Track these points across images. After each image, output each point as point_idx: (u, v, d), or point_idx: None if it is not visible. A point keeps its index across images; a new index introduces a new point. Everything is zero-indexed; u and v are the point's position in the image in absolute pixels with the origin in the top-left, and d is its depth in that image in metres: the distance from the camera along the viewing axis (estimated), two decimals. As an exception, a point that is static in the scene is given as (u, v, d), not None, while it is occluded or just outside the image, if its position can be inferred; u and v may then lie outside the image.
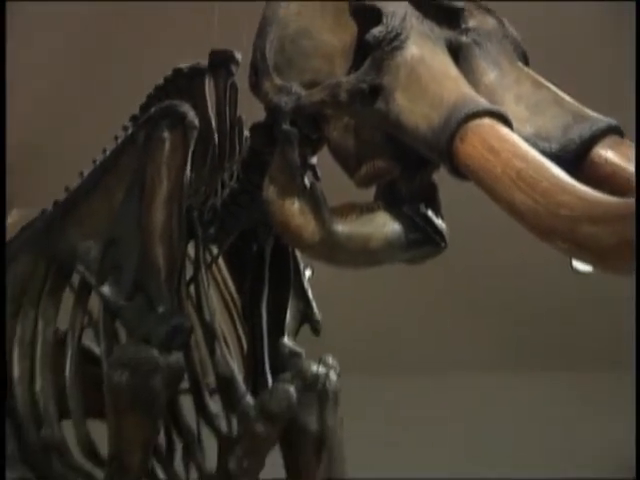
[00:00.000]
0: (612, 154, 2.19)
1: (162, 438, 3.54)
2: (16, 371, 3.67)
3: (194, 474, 3.56)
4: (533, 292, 6.10)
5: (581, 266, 5.47)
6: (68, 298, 3.71)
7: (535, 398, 6.83)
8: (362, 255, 2.73)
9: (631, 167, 2.12)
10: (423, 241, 2.74)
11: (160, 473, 3.55)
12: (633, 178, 2.08)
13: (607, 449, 6.41)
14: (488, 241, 5.02)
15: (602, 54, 6.47)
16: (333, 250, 2.72)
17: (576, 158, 2.22)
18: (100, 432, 3.45)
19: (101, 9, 6.05)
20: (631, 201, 1.78)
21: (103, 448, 3.42)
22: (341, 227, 2.68)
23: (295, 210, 2.72)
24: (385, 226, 2.70)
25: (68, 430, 3.56)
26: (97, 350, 3.59)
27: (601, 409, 6.72)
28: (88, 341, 3.68)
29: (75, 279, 3.66)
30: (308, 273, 3.64)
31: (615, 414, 6.44)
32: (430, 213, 2.72)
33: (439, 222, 2.74)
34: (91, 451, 3.50)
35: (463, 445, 6.57)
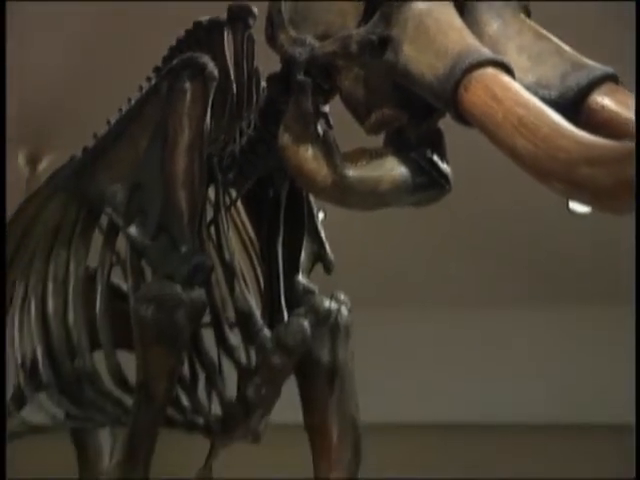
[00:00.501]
0: (608, 100, 2.17)
1: (186, 369, 3.56)
2: (50, 306, 3.69)
3: (215, 402, 3.57)
4: (534, 234, 6.07)
5: (577, 207, 5.46)
6: (97, 239, 3.71)
7: (536, 333, 6.83)
8: (371, 197, 2.72)
9: (626, 113, 2.11)
10: (429, 184, 2.73)
11: (184, 400, 3.57)
12: (628, 123, 2.07)
13: (607, 385, 6.41)
14: (491, 185, 4.99)
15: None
16: (344, 193, 2.71)
17: (574, 105, 2.20)
18: (129, 362, 3.47)
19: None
20: (626, 144, 1.77)
21: (131, 377, 3.44)
22: (352, 171, 2.67)
23: (309, 156, 2.72)
24: (393, 170, 2.68)
25: (99, 361, 3.58)
26: (125, 287, 3.60)
27: (601, 342, 6.70)
28: (116, 278, 3.69)
29: (104, 221, 3.67)
30: (321, 216, 3.63)
31: (614, 347, 6.39)
32: (436, 158, 2.71)
33: (444, 166, 2.73)
34: (120, 380, 3.52)
35: (467, 377, 6.60)
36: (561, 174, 1.87)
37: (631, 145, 1.75)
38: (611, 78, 2.22)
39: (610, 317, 6.23)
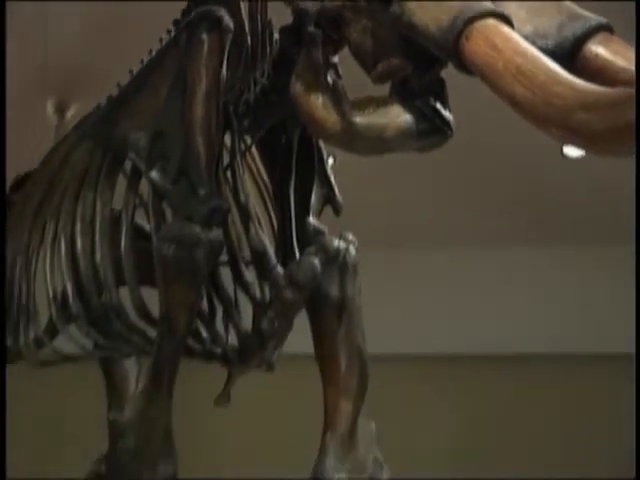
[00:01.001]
0: (602, 49, 2.16)
1: (205, 303, 3.57)
2: (79, 245, 3.70)
3: (232, 333, 3.59)
4: (534, 177, 5.99)
5: (571, 152, 5.40)
6: (122, 182, 3.71)
7: (536, 271, 6.80)
8: (377, 143, 2.73)
9: (620, 61, 2.10)
10: (432, 131, 2.73)
11: (203, 332, 3.59)
12: (622, 71, 2.05)
13: (605, 317, 6.39)
14: (491, 130, 4.93)
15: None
16: (352, 139, 2.72)
17: (570, 54, 2.19)
18: (152, 297, 3.49)
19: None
20: (619, 90, 1.76)
21: (154, 311, 3.46)
22: (359, 118, 2.67)
23: (319, 104, 2.72)
24: (399, 117, 2.68)
25: (124, 296, 3.60)
26: (147, 227, 3.61)
27: (599, 280, 6.66)
28: (140, 220, 3.69)
29: (127, 166, 3.67)
30: (330, 161, 3.62)
31: (612, 285, 6.36)
32: (439, 106, 2.71)
33: (447, 114, 2.73)
34: (144, 313, 3.54)
35: (468, 312, 6.60)
36: (557, 120, 1.86)
37: (624, 91, 1.74)
38: (606, 28, 2.21)
39: (608, 256, 6.20)
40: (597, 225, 5.96)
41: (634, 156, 1.78)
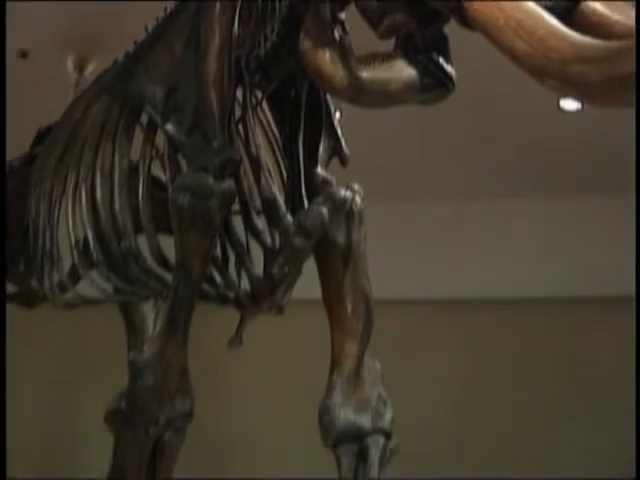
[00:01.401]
0: (599, 5, 2.14)
1: (218, 250, 3.58)
2: (99, 195, 3.71)
3: (244, 278, 3.60)
4: (535, 129, 5.90)
5: (568, 105, 5.32)
6: (139, 135, 3.70)
7: (537, 220, 6.71)
8: (382, 97, 2.73)
9: (615, 15, 2.08)
10: (435, 85, 2.73)
11: (217, 277, 3.60)
12: (617, 25, 2.03)
13: (603, 261, 6.32)
14: (494, 83, 4.86)
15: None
16: (358, 93, 2.71)
17: (568, 9, 2.16)
18: (168, 244, 3.49)
19: None
20: (614, 43, 1.74)
21: (171, 257, 3.47)
22: (365, 73, 2.67)
23: (327, 59, 2.72)
24: (403, 72, 2.68)
25: (142, 243, 3.61)
26: (163, 178, 3.60)
27: (599, 228, 6.56)
28: (156, 170, 3.68)
29: (144, 119, 3.65)
30: (337, 114, 3.59)
31: (614, 233, 6.26)
32: (441, 60, 2.70)
33: (449, 68, 2.71)
34: (161, 259, 3.55)
35: (470, 258, 6.53)
36: (555, 72, 1.85)
37: (619, 44, 1.72)
38: None
39: (605, 205, 6.12)
40: (595, 175, 5.89)
41: (633, 108, 1.77)
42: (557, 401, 6.76)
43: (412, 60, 2.67)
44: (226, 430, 6.83)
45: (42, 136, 4.37)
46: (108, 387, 3.64)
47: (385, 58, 2.68)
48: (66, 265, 3.91)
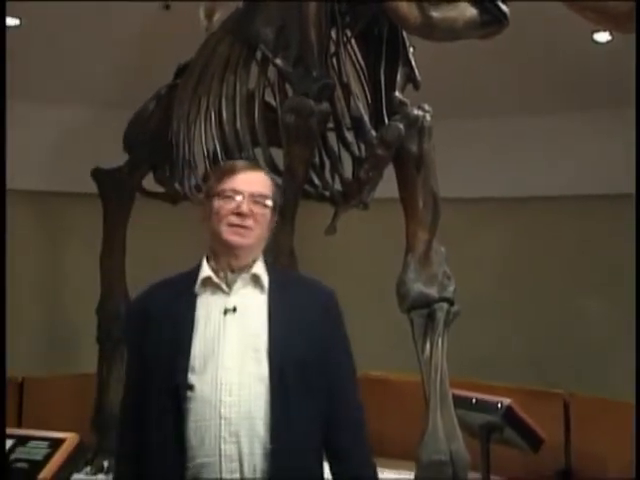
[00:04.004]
0: None
1: (317, 159, 3.58)
2: (224, 116, 3.73)
3: (337, 181, 3.60)
4: (569, 55, 5.53)
5: (600, 37, 4.97)
6: (254, 68, 3.69)
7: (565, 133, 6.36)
8: (450, 32, 2.69)
9: None
10: (492, 21, 2.63)
11: (316, 180, 3.62)
12: None
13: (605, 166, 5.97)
14: (538, 20, 4.58)
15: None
16: (430, 30, 2.67)
17: None
18: (277, 155, 3.51)
19: None
20: None
21: (280, 165, 3.49)
22: (435, 13, 2.62)
23: (404, 2, 2.66)
24: (466, 11, 2.63)
25: (258, 153, 3.63)
26: (274, 102, 3.59)
27: (603, 138, 6.18)
28: (268, 97, 3.67)
29: (258, 55, 3.63)
30: (411, 49, 3.49)
31: (615, 142, 5.93)
32: (498, 0, 2.58)
33: (504, 7, 2.60)
34: (273, 166, 3.58)
35: (513, 161, 6.24)
36: (593, 5, 1.75)
37: None
38: None
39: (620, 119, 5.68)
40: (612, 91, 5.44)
41: None
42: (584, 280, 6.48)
43: (474, 1, 2.57)
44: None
45: (181, 70, 4.39)
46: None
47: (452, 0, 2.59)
48: (200, 170, 3.98)
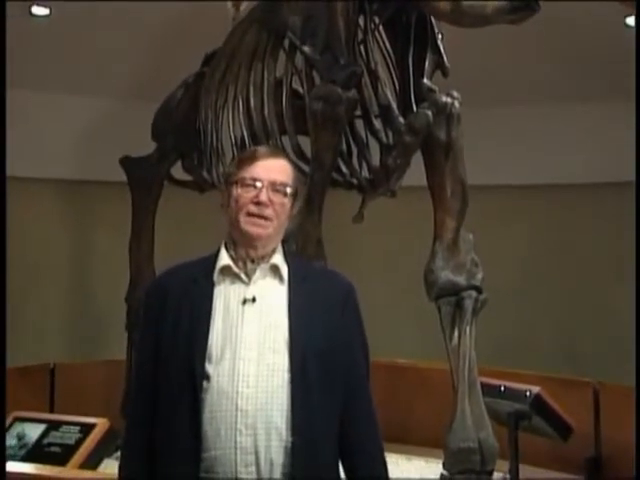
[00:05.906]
0: None
1: (344, 146, 3.57)
2: (252, 103, 3.73)
3: (365, 169, 3.59)
4: (601, 44, 5.40)
5: (631, 21, 4.82)
6: (282, 56, 3.68)
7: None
8: (479, 18, 2.65)
9: None
10: (523, 7, 2.59)
11: (343, 168, 3.61)
12: None
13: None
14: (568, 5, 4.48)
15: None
16: (460, 16, 2.64)
17: None
18: (305, 142, 3.50)
19: None
20: None
21: (307, 152, 3.49)
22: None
23: None
24: None
25: (285, 141, 3.63)
26: (301, 90, 3.58)
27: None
28: (295, 84, 3.67)
29: (286, 43, 3.62)
30: (440, 36, 3.46)
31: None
32: None
33: None
34: (300, 154, 3.57)
35: (536, 150, 6.15)
36: None
37: None
38: None
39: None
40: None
41: None
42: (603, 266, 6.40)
43: None
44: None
45: (209, 58, 4.40)
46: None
47: (481, -15, 2.55)
48: (228, 158, 3.99)
